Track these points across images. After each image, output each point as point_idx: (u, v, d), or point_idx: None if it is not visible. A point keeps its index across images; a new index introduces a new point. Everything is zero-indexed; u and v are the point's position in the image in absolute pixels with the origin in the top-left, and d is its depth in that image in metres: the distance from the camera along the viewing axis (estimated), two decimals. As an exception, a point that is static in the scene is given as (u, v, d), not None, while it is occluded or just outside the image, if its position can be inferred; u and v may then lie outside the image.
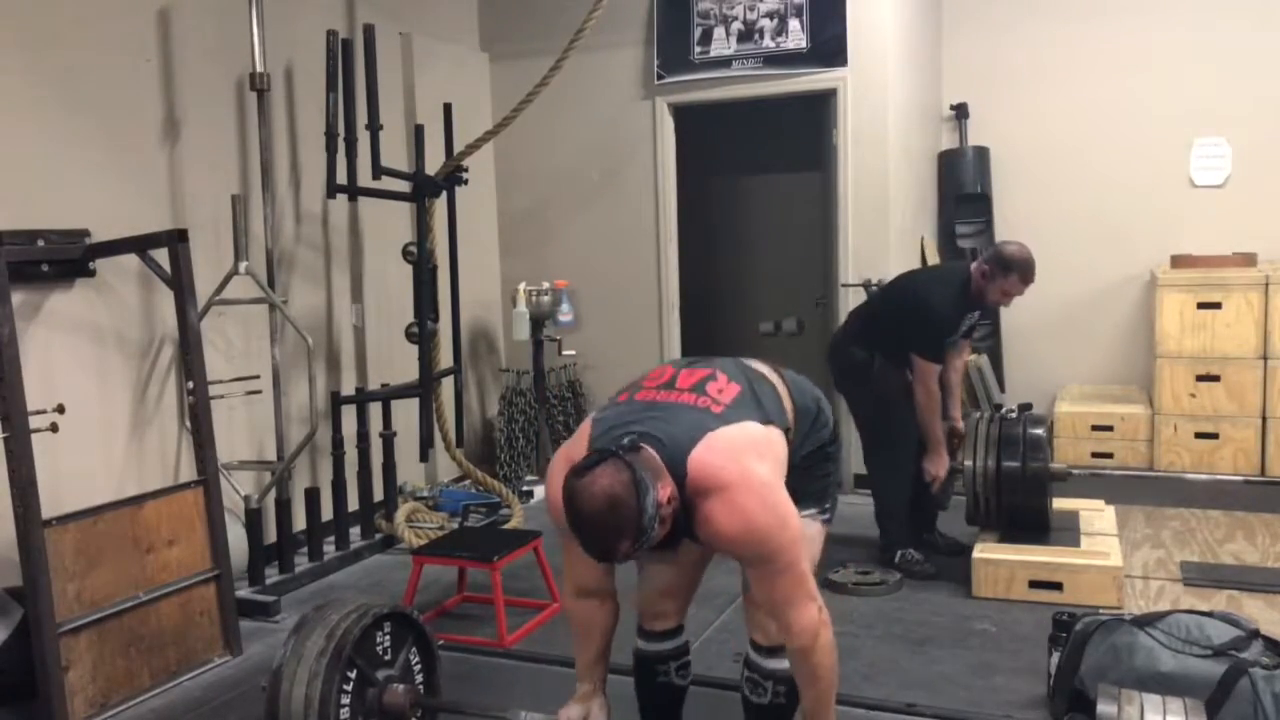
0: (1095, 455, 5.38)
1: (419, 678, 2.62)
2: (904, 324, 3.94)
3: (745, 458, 2.03)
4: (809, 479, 2.26)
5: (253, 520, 3.92)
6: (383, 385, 4.79)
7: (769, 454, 2.09)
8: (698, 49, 5.40)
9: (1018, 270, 3.80)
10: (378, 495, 4.64)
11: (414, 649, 2.61)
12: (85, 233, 3.46)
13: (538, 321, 5.45)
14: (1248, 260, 5.22)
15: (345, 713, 2.38)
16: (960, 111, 5.92)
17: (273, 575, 4.01)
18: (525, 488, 5.39)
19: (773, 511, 1.99)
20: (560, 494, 2.04)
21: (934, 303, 3.90)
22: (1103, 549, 3.74)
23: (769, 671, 2.24)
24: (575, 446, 2.11)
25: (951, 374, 4.11)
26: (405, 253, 4.72)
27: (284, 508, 4.07)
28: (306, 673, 2.36)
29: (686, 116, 5.62)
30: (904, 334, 3.93)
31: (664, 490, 1.93)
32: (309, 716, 2.33)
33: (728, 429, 2.06)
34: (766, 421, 2.13)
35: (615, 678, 2.44)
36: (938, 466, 4.00)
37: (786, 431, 2.18)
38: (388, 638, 2.53)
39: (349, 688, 2.39)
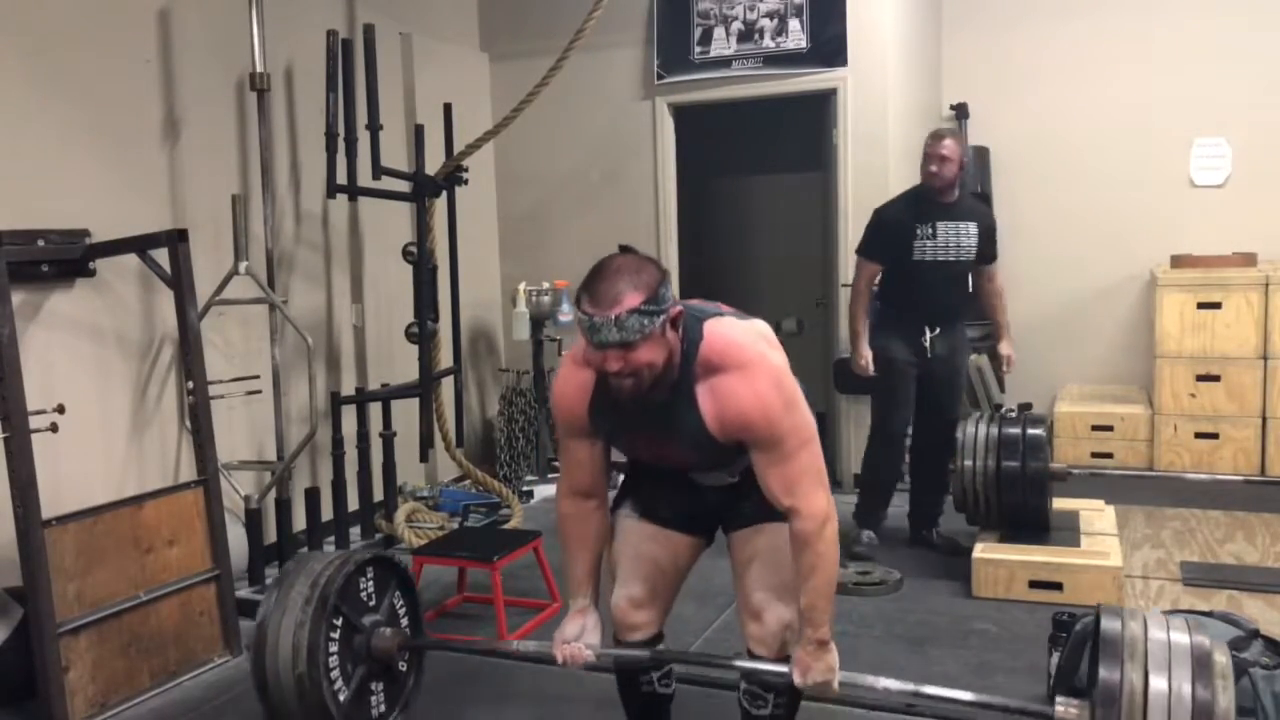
0: (1095, 455, 5.38)
1: (404, 621, 2.61)
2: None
3: (761, 343, 2.09)
4: None
5: (253, 520, 3.92)
6: (383, 385, 4.79)
7: (779, 348, 2.14)
8: (698, 49, 5.40)
9: (925, 141, 4.08)
10: (378, 495, 4.64)
11: (397, 593, 2.60)
12: (85, 233, 3.46)
13: (538, 321, 5.45)
14: (1248, 260, 5.22)
15: (333, 660, 2.36)
16: (960, 111, 5.92)
17: (273, 575, 4.01)
18: (525, 488, 5.39)
19: (789, 393, 2.04)
20: (567, 388, 2.16)
21: (880, 207, 4.23)
22: (1103, 549, 3.74)
23: (770, 683, 2.21)
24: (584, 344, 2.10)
25: (991, 296, 4.30)
26: (405, 253, 4.72)
27: (284, 508, 4.07)
28: (292, 622, 2.33)
29: (686, 116, 5.62)
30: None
31: (675, 310, 1.98)
32: (297, 665, 2.31)
33: (742, 320, 2.16)
34: None
35: (609, 677, 2.44)
36: (857, 358, 4.18)
37: None
38: (371, 583, 2.51)
39: (335, 635, 2.38)
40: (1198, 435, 5.18)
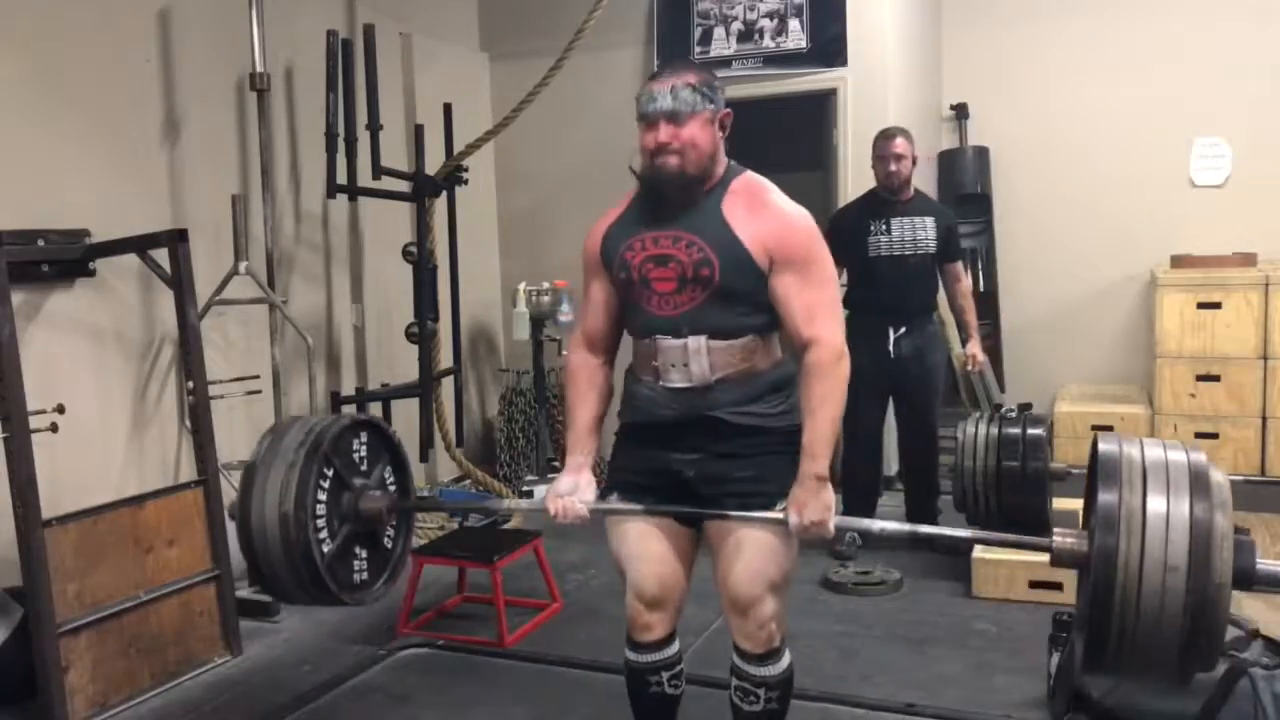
0: (1095, 455, 5.37)
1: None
2: None
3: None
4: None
5: (253, 520, 3.92)
6: (383, 385, 4.79)
7: None
8: (698, 49, 5.40)
9: (874, 142, 4.22)
10: (378, 495, 4.63)
11: (389, 467, 2.58)
12: (85, 233, 3.46)
13: (538, 321, 5.45)
14: (1248, 260, 5.22)
15: (321, 509, 2.34)
16: (960, 111, 5.92)
17: (273, 575, 4.01)
18: (525, 488, 5.39)
19: (816, 231, 2.14)
20: (596, 225, 2.26)
21: (836, 211, 4.47)
22: (1103, 549, 3.73)
23: (760, 679, 2.21)
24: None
25: (958, 297, 4.30)
26: (405, 253, 4.72)
27: (284, 508, 4.07)
28: (284, 463, 2.31)
29: (687, 116, 5.61)
30: None
31: (725, 112, 2.16)
32: (284, 503, 2.28)
33: None
34: None
35: (609, 676, 2.43)
36: None
37: None
38: (364, 447, 2.50)
39: (325, 484, 2.35)
40: (1198, 435, 5.17)
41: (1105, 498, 1.83)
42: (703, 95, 2.08)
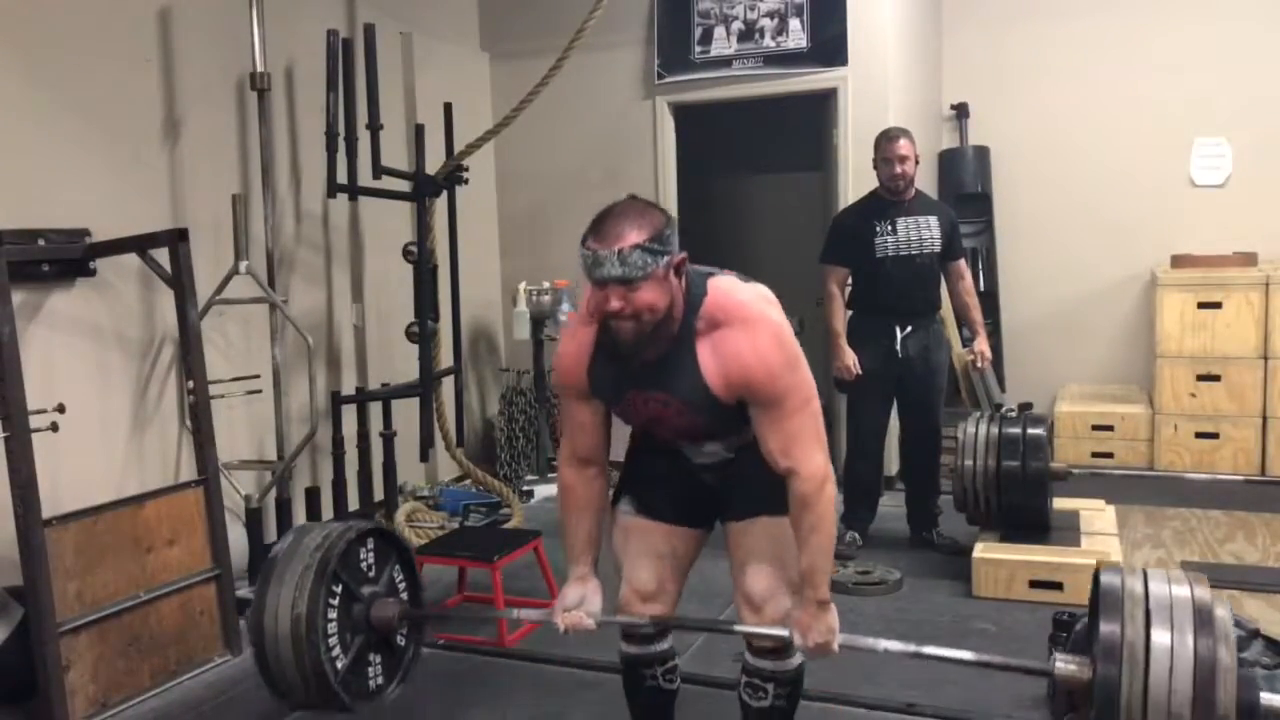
0: (1095, 455, 5.38)
1: (403, 594, 2.62)
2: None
3: (763, 303, 2.09)
4: None
5: (253, 520, 3.92)
6: (383, 385, 4.79)
7: (781, 311, 2.13)
8: (698, 48, 5.40)
9: (876, 142, 4.18)
10: (378, 495, 4.63)
11: (397, 566, 2.61)
12: (85, 232, 3.46)
13: (538, 321, 5.45)
14: (1248, 260, 5.23)
15: (332, 627, 2.37)
16: (960, 111, 5.92)
17: (273, 575, 4.01)
18: (526, 487, 5.39)
19: (790, 351, 2.04)
20: (569, 346, 2.17)
21: (838, 213, 4.52)
22: (1103, 549, 3.74)
23: (769, 674, 2.21)
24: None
25: (962, 294, 4.27)
26: (405, 252, 4.72)
27: (284, 507, 4.07)
28: (292, 585, 2.35)
29: (687, 116, 5.62)
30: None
31: (679, 257, 1.99)
32: (296, 628, 2.31)
33: (746, 281, 2.15)
34: None
35: (609, 676, 2.44)
36: (838, 361, 4.17)
37: None
38: (371, 554, 2.52)
39: (334, 602, 2.38)
40: (1198, 435, 5.19)
41: (1107, 629, 1.82)
42: (653, 254, 1.92)
